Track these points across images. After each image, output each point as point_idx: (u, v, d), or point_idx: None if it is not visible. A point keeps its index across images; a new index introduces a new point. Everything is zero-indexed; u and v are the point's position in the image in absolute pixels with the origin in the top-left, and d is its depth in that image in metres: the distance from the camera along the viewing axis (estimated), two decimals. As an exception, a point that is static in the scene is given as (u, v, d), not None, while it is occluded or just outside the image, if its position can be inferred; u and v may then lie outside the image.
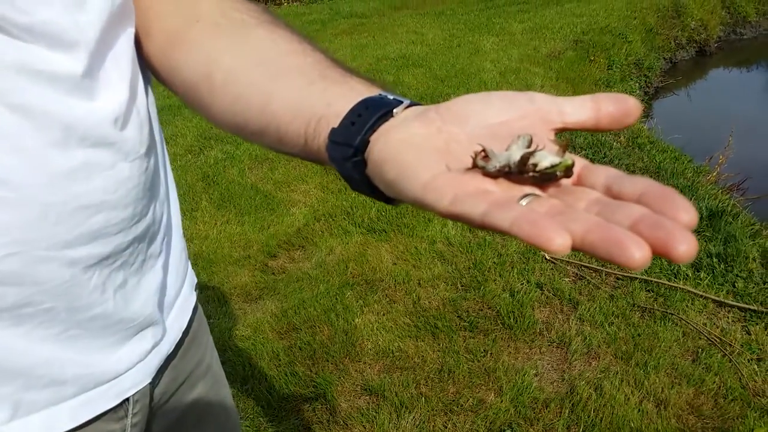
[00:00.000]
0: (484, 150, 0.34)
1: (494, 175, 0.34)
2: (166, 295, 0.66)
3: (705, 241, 2.49)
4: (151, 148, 0.57)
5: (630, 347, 2.01)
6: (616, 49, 5.47)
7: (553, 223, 0.27)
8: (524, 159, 0.33)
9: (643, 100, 5.13)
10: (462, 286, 2.38)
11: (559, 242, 0.26)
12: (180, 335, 0.69)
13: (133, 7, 0.55)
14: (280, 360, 2.09)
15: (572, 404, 1.82)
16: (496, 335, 2.11)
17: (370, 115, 0.40)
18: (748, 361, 1.93)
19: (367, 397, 1.93)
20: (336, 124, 0.42)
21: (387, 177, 0.37)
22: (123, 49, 0.53)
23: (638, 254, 0.26)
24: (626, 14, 6.36)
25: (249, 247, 2.78)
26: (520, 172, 0.33)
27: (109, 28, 0.50)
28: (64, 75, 0.46)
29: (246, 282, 2.53)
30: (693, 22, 6.71)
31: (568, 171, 0.33)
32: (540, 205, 0.32)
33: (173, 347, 0.67)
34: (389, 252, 2.62)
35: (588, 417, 1.77)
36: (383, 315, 2.26)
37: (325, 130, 0.43)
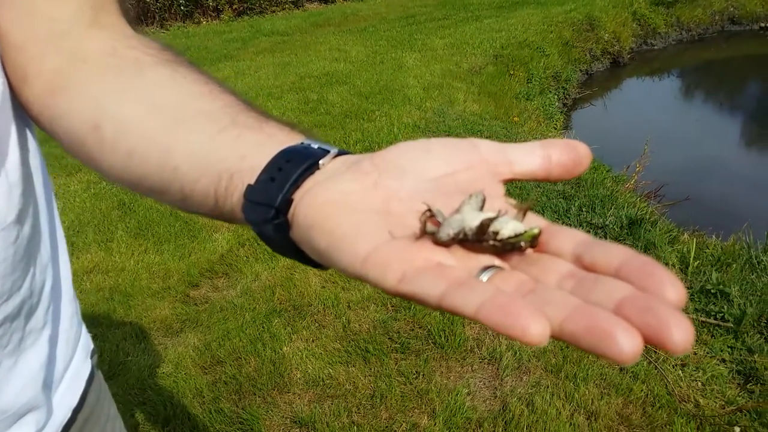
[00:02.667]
0: (430, 210, 0.29)
1: (447, 244, 0.29)
2: (54, 370, 0.56)
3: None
4: (24, 212, 0.48)
5: (559, 360, 2.02)
6: (534, 63, 5.62)
7: (527, 308, 0.23)
8: (484, 227, 0.28)
9: (561, 112, 5.27)
10: (392, 306, 2.34)
11: (536, 331, 0.22)
12: (70, 414, 0.59)
13: None
14: (204, 397, 1.99)
15: (505, 422, 1.80)
16: (428, 355, 2.08)
17: (293, 168, 0.34)
18: (673, 368, 1.97)
19: (297, 430, 1.85)
20: (252, 181, 0.36)
21: (316, 246, 0.31)
22: None
23: (628, 346, 0.22)
24: (543, 28, 6.56)
25: (169, 277, 2.65)
26: (477, 241, 0.29)
27: None
28: None
29: (166, 315, 2.40)
30: (606, 35, 6.99)
31: (533, 241, 0.29)
32: (505, 282, 0.27)
33: (61, 429, 0.58)
34: (317, 275, 2.56)
35: (521, 435, 1.76)
36: (312, 341, 2.19)
37: (239, 188, 0.37)
